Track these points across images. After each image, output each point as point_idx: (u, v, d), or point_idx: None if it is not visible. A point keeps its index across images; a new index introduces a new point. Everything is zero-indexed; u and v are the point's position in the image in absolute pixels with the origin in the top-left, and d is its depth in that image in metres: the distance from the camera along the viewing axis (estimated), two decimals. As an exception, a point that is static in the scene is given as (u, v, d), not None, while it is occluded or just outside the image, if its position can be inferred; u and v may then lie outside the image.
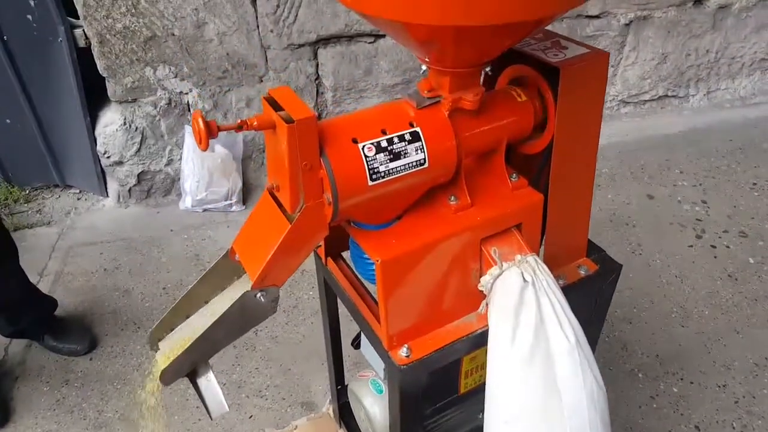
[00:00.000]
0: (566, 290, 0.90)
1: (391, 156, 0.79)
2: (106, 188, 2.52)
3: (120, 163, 2.41)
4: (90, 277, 2.13)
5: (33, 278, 2.10)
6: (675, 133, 2.87)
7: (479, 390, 1.05)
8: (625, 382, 1.68)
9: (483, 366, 1.02)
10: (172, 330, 0.92)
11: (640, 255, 2.14)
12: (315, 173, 0.75)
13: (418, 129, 0.81)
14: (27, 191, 2.55)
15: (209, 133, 0.69)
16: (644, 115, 3.03)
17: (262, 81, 2.41)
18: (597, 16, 2.73)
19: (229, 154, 2.42)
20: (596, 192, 1.01)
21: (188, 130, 2.39)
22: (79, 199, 2.55)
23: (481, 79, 0.85)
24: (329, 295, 1.16)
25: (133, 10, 2.12)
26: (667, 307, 1.93)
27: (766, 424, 1.56)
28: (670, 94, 3.05)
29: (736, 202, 2.39)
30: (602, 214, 2.32)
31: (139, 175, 2.46)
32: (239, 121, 0.70)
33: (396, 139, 0.80)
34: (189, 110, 2.40)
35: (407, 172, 0.81)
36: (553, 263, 0.94)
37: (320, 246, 1.04)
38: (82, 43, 2.17)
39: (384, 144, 0.79)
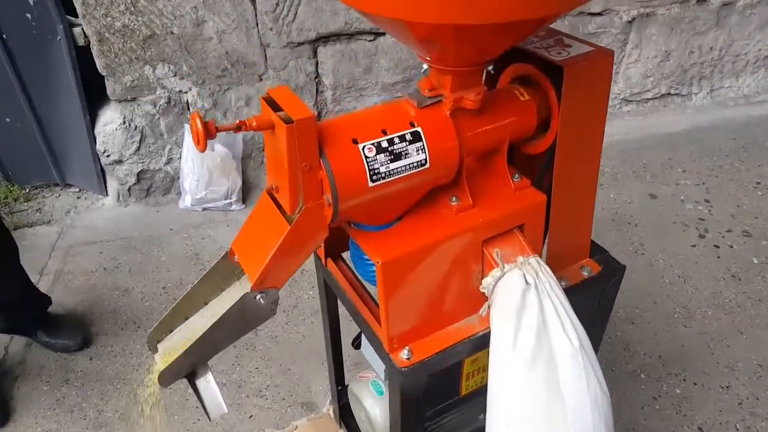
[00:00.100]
0: (569, 292, 0.89)
1: (392, 156, 0.78)
2: (105, 187, 2.52)
3: (119, 161, 2.41)
4: (90, 276, 2.13)
5: (33, 277, 2.09)
6: (678, 132, 2.85)
7: (480, 392, 1.04)
8: (628, 383, 1.67)
9: (484, 368, 1.01)
10: (171, 331, 0.91)
11: (643, 255, 2.13)
12: (314, 174, 0.74)
13: (419, 129, 0.80)
14: (27, 190, 2.55)
15: (207, 133, 0.68)
16: (647, 113, 3.02)
17: (261, 79, 2.40)
18: (599, 13, 2.71)
19: (229, 152, 2.41)
20: (598, 191, 1.00)
21: (188, 128, 2.38)
22: (78, 197, 2.55)
23: (483, 78, 0.84)
24: (329, 296, 1.15)
25: (132, 9, 2.11)
26: (670, 307, 1.92)
27: (770, 426, 1.55)
28: (673, 92, 3.03)
29: (740, 202, 2.38)
30: (604, 214, 2.31)
31: (138, 174, 2.45)
32: (238, 121, 0.69)
33: (397, 140, 0.79)
34: (188, 109, 2.39)
35: (408, 172, 0.80)
36: (555, 264, 0.93)
37: (320, 247, 1.03)
38: (81, 42, 2.16)
39: (384, 144, 0.78)
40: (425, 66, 0.83)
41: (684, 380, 1.68)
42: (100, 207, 2.50)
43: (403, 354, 0.88)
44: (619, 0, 2.68)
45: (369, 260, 0.86)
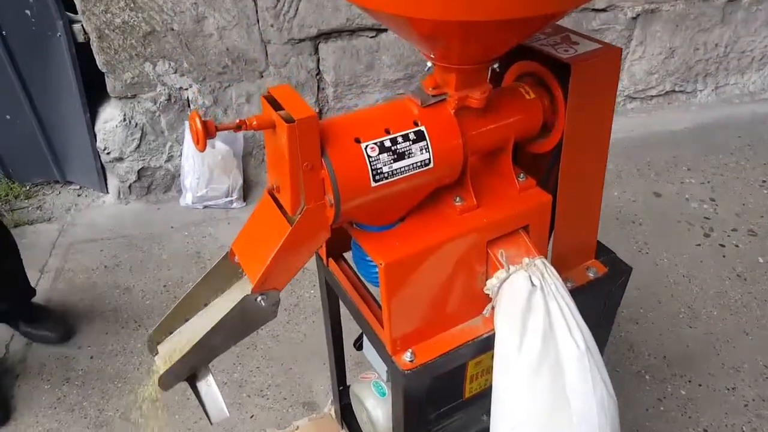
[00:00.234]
0: (574, 293, 0.88)
1: (395, 156, 0.77)
2: (106, 184, 2.51)
3: (120, 159, 2.39)
4: (90, 274, 2.12)
5: (34, 275, 2.09)
6: (682, 129, 2.83)
7: (484, 393, 1.03)
8: (632, 384, 1.65)
9: (488, 370, 1.00)
10: (171, 333, 0.90)
11: (647, 254, 2.11)
12: (316, 174, 0.72)
13: (422, 128, 0.79)
14: (27, 187, 2.54)
15: (207, 133, 0.67)
16: (651, 110, 2.99)
17: (262, 76, 2.38)
18: (603, 10, 2.69)
19: (230, 150, 2.39)
20: (602, 190, 0.98)
21: (188, 125, 2.36)
22: (79, 195, 2.54)
23: (488, 76, 0.82)
24: (331, 297, 1.14)
25: (132, 5, 2.09)
26: (675, 307, 1.90)
27: (776, 427, 1.54)
28: (677, 89, 3.01)
29: (745, 200, 2.36)
30: (608, 212, 2.29)
31: (139, 172, 2.44)
32: (238, 120, 0.68)
33: (400, 139, 0.77)
34: (189, 106, 2.37)
35: (411, 172, 0.78)
36: (560, 265, 0.92)
37: (321, 247, 1.02)
38: (81, 39, 2.15)
39: (387, 144, 0.76)
40: (429, 64, 0.81)
41: (689, 381, 1.67)
42: (100, 205, 2.49)
43: (406, 356, 0.86)
44: (624, -4, 2.65)
45: (371, 261, 0.84)
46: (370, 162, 0.75)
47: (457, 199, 0.86)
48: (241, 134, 2.44)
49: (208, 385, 0.89)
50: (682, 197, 2.39)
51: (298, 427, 1.53)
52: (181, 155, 2.42)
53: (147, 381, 0.89)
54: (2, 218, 1.77)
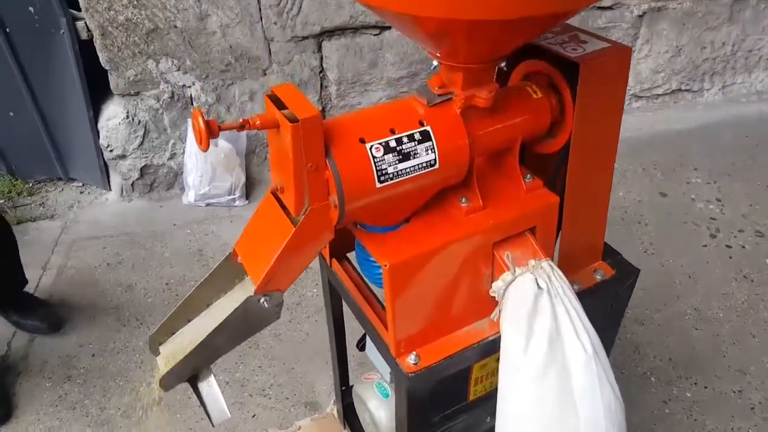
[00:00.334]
0: (581, 296, 0.87)
1: (400, 156, 0.75)
2: (109, 182, 2.50)
3: (123, 156, 2.39)
4: (93, 272, 2.11)
5: (36, 272, 2.09)
6: (688, 129, 2.80)
7: (489, 396, 1.02)
8: (637, 387, 1.64)
9: (493, 373, 0.99)
10: (173, 333, 0.89)
11: (653, 255, 2.09)
12: (320, 174, 0.71)
13: (428, 128, 0.77)
14: (30, 184, 2.54)
15: (210, 132, 0.66)
16: (656, 109, 2.97)
17: (265, 74, 2.37)
18: (609, 8, 2.66)
19: (233, 148, 2.38)
20: (607, 190, 0.97)
21: (191, 123, 2.36)
22: (82, 192, 2.54)
23: (495, 75, 0.81)
24: (334, 297, 1.13)
25: (135, 2, 2.09)
26: (681, 308, 1.89)
27: (783, 431, 1.52)
28: (683, 88, 2.98)
29: (752, 201, 2.34)
30: (613, 212, 2.27)
31: (141, 169, 2.43)
32: (241, 120, 0.67)
33: (405, 139, 0.76)
34: (192, 104, 2.36)
35: (417, 173, 0.77)
36: (567, 267, 0.90)
37: (325, 247, 1.01)
38: (84, 36, 2.14)
39: (393, 144, 0.75)
40: (435, 62, 0.80)
41: (695, 384, 1.65)
42: (103, 202, 2.49)
43: (411, 359, 0.85)
44: (630, -6, 2.63)
45: (375, 263, 0.83)
46: (375, 162, 0.74)
47: (463, 200, 0.85)
48: (244, 132, 2.43)
49: (210, 386, 0.89)
50: (688, 197, 2.37)
51: (300, 427, 1.52)
52: (183, 153, 2.41)
53: (150, 380, 0.89)
54: (5, 215, 1.77)
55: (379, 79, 2.50)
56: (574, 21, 0.85)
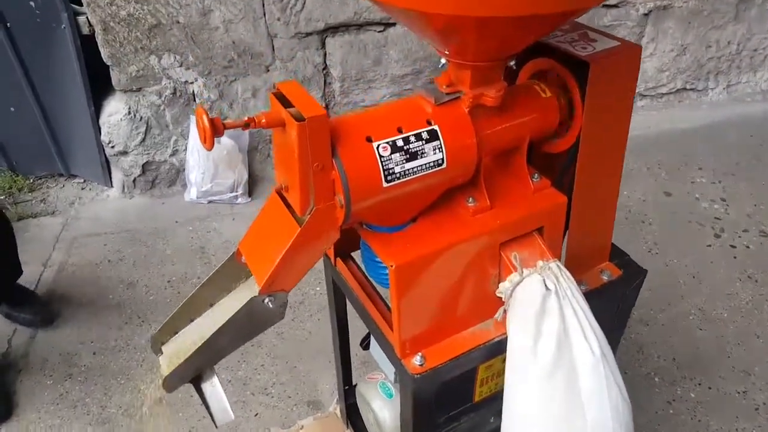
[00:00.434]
0: (588, 297, 0.86)
1: (408, 156, 0.74)
2: (110, 178, 2.49)
3: (124, 152, 2.38)
4: (94, 269, 2.11)
5: (37, 269, 2.09)
6: (693, 128, 2.79)
7: (494, 396, 1.02)
8: (641, 387, 1.63)
9: (499, 374, 0.98)
10: (175, 333, 0.88)
11: (657, 254, 2.08)
12: (327, 174, 0.70)
13: (435, 127, 0.76)
14: (31, 180, 2.53)
15: (214, 131, 0.65)
16: (661, 108, 2.95)
17: (268, 70, 2.35)
18: (615, 6, 2.65)
19: (235, 145, 2.37)
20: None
21: (193, 120, 2.35)
22: (83, 188, 2.53)
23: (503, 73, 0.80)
24: (338, 296, 1.12)
25: (138, -3, 2.07)
26: (685, 308, 1.88)
27: (787, 432, 1.52)
28: (688, 87, 2.96)
29: (757, 201, 2.32)
30: (617, 212, 2.22)
31: (143, 166, 2.42)
32: (246, 118, 0.66)
33: (413, 138, 0.75)
34: (194, 100, 2.35)
35: (424, 173, 0.76)
36: (574, 268, 0.89)
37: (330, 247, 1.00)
38: (85, 31, 2.13)
39: (400, 143, 0.74)
40: (443, 60, 0.79)
41: (699, 384, 1.65)
42: (104, 198, 2.48)
43: (416, 360, 0.85)
44: (636, -9, 2.61)
45: (381, 263, 0.82)
46: (381, 162, 0.73)
47: (470, 199, 0.84)
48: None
49: (213, 387, 0.88)
50: (693, 197, 2.36)
51: (302, 426, 1.51)
52: (185, 149, 2.40)
53: (152, 379, 0.88)
54: (6, 211, 1.77)
55: (383, 76, 2.49)
56: (579, 19, 0.83)
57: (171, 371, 0.82)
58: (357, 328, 1.13)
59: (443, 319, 0.86)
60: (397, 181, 0.74)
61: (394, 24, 2.36)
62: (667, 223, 2.22)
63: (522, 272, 0.83)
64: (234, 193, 2.40)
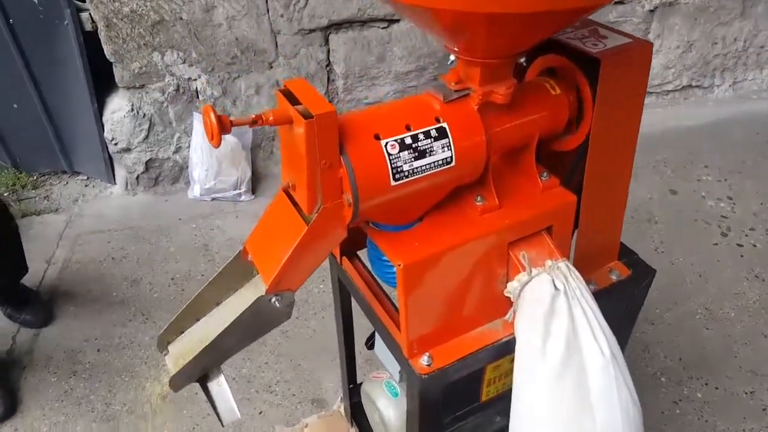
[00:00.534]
0: (597, 296, 0.85)
1: (416, 154, 0.73)
2: (113, 175, 2.49)
3: (128, 150, 2.37)
4: (98, 266, 2.11)
5: (41, 266, 2.09)
6: (699, 125, 2.77)
7: (500, 396, 1.01)
8: (648, 387, 1.62)
9: (506, 374, 0.97)
10: (182, 333, 0.88)
11: (663, 253, 2.07)
12: (334, 172, 0.69)
13: (444, 125, 0.75)
14: (34, 177, 2.53)
15: (222, 128, 0.64)
16: (666, 105, 2.93)
17: (271, 67, 2.34)
18: (621, 2, 2.63)
19: (239, 142, 2.37)
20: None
21: (197, 117, 2.34)
22: (86, 185, 2.52)
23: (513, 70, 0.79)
24: (343, 295, 1.11)
25: (141, -7, 2.06)
26: (691, 308, 1.87)
27: (794, 433, 1.51)
28: (694, 84, 2.94)
29: (764, 199, 2.31)
30: (622, 209, 2.24)
31: (147, 163, 2.42)
32: (254, 116, 0.65)
33: (421, 136, 0.74)
34: (197, 97, 2.34)
35: (432, 171, 0.75)
36: (583, 267, 0.88)
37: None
38: (88, 27, 2.12)
39: (408, 141, 0.73)
40: (452, 57, 0.78)
41: (706, 384, 1.64)
42: (108, 195, 2.48)
43: (423, 360, 0.84)
44: (642, -12, 2.59)
45: (388, 262, 0.81)
46: (390, 160, 0.72)
47: (479, 198, 0.83)
48: (250, 126, 2.41)
49: (220, 386, 0.87)
50: (699, 195, 2.34)
51: (307, 424, 1.51)
52: (189, 146, 2.39)
53: (158, 376, 0.87)
54: (9, 208, 1.76)
55: (386, 73, 2.48)
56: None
57: (178, 371, 0.82)
58: (361, 326, 1.12)
59: (451, 319, 0.85)
60: (405, 180, 0.73)
61: (398, 20, 2.34)
62: (673, 221, 2.21)
63: (531, 272, 0.82)
64: (237, 191, 2.39)
